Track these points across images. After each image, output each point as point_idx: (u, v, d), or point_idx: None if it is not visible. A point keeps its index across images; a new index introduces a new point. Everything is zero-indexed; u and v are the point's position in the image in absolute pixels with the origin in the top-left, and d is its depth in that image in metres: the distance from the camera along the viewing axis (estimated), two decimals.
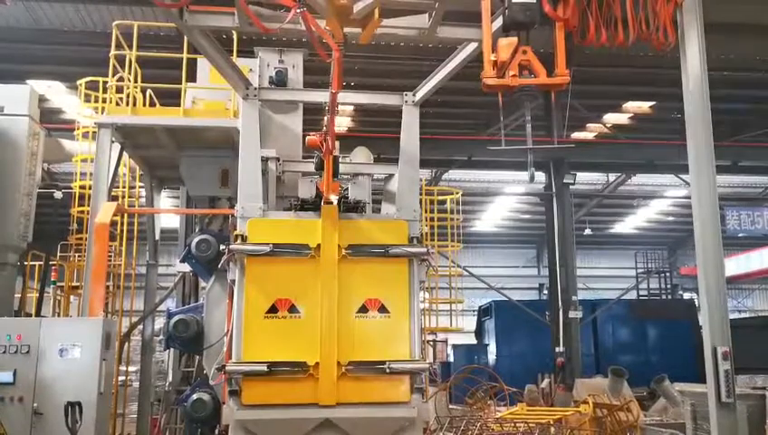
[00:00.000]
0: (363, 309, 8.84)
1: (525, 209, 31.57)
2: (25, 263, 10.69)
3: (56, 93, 19.01)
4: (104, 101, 10.57)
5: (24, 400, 7.48)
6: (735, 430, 5.64)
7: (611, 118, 22.00)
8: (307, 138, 8.65)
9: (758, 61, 18.36)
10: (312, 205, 9.22)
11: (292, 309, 8.70)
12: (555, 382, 16.24)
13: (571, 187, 19.60)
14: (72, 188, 11.63)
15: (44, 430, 7.41)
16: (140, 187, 13.11)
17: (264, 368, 8.35)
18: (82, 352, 7.70)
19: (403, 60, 17.65)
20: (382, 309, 8.88)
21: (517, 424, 8.31)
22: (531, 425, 8.15)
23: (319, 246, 8.82)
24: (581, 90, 17.37)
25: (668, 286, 30.08)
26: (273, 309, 8.66)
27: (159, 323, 12.42)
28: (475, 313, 26.27)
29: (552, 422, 8.96)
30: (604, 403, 10.16)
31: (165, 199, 16.01)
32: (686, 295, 32.99)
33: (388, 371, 8.59)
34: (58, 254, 13.02)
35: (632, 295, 27.84)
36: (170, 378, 12.62)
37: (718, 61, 15.74)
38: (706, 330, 5.85)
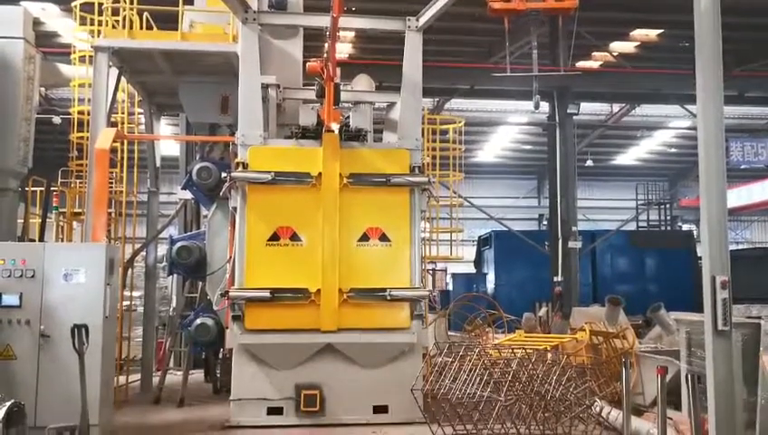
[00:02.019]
0: (365, 237, 8.96)
1: (527, 140, 31.33)
2: (27, 189, 10.67)
3: (50, 17, 18.53)
4: (100, 23, 10.34)
5: (30, 323, 7.61)
6: (730, 357, 5.74)
7: (618, 46, 21.53)
8: (308, 64, 8.55)
9: None
10: (314, 133, 9.18)
11: (294, 237, 8.80)
12: (552, 311, 16.49)
13: (574, 117, 19.38)
14: (70, 114, 11.49)
15: (52, 352, 7.58)
16: (140, 113, 12.97)
17: (267, 294, 8.52)
18: (87, 276, 7.78)
19: None
20: (383, 238, 8.99)
21: (515, 350, 8.48)
22: (528, 351, 8.32)
23: (320, 174, 8.83)
24: (588, 16, 16.92)
25: (668, 218, 30.17)
26: (274, 237, 8.77)
27: (162, 250, 12.53)
28: (475, 242, 26.46)
29: (548, 349, 9.14)
30: (600, 331, 10.34)
31: (164, 127, 15.86)
32: (686, 227, 33.16)
33: (388, 298, 8.77)
34: (59, 180, 12.99)
35: (632, 227, 27.97)
36: (174, 303, 12.86)
37: None
38: (706, 259, 5.87)
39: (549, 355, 8.72)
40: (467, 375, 7.83)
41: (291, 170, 8.86)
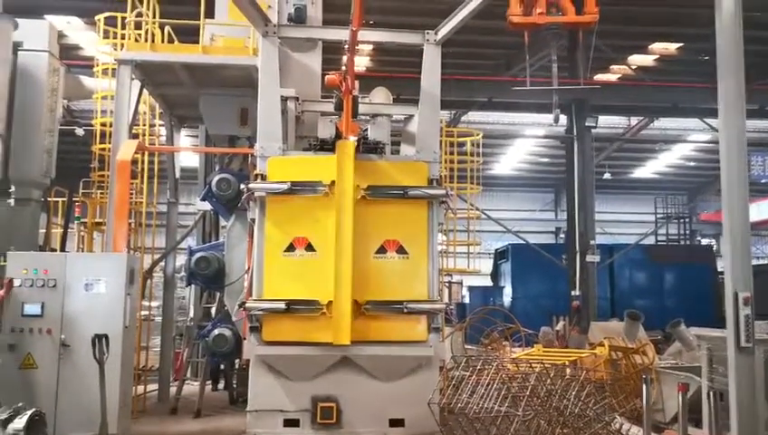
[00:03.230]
0: (382, 250, 8.91)
1: (544, 153, 31.27)
2: (49, 199, 10.80)
3: (75, 30, 18.85)
4: (123, 37, 10.48)
5: (52, 332, 7.69)
6: (752, 374, 5.68)
7: (636, 59, 21.48)
8: (326, 77, 8.58)
9: None
10: (332, 145, 9.17)
11: (309, 247, 8.76)
12: (570, 325, 16.36)
13: (592, 130, 19.32)
14: (92, 126, 11.64)
15: (72, 361, 7.65)
16: (160, 125, 13.10)
17: (283, 305, 8.50)
18: (107, 286, 7.86)
19: None
20: (401, 250, 8.94)
21: (533, 365, 8.42)
22: (546, 366, 8.25)
23: (333, 182, 8.78)
24: (607, 29, 16.90)
25: (687, 232, 29.89)
26: (291, 247, 8.75)
27: (181, 260, 12.61)
28: (492, 255, 26.37)
29: (567, 363, 9.07)
30: (619, 346, 10.25)
31: (184, 138, 16.01)
32: (705, 241, 32.80)
33: (405, 310, 8.71)
34: (80, 190, 13.14)
35: (651, 241, 27.73)
36: (192, 314, 12.91)
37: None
38: (728, 275, 5.82)
39: (567, 370, 8.65)
40: (485, 389, 7.78)
41: (306, 180, 8.85)
